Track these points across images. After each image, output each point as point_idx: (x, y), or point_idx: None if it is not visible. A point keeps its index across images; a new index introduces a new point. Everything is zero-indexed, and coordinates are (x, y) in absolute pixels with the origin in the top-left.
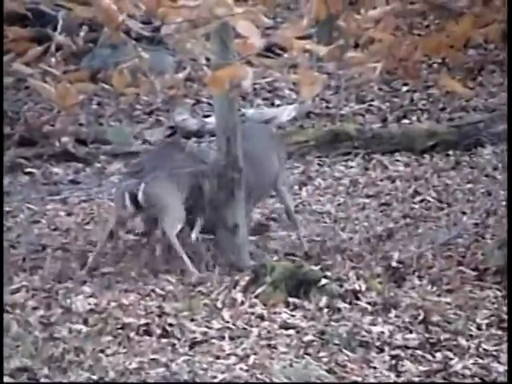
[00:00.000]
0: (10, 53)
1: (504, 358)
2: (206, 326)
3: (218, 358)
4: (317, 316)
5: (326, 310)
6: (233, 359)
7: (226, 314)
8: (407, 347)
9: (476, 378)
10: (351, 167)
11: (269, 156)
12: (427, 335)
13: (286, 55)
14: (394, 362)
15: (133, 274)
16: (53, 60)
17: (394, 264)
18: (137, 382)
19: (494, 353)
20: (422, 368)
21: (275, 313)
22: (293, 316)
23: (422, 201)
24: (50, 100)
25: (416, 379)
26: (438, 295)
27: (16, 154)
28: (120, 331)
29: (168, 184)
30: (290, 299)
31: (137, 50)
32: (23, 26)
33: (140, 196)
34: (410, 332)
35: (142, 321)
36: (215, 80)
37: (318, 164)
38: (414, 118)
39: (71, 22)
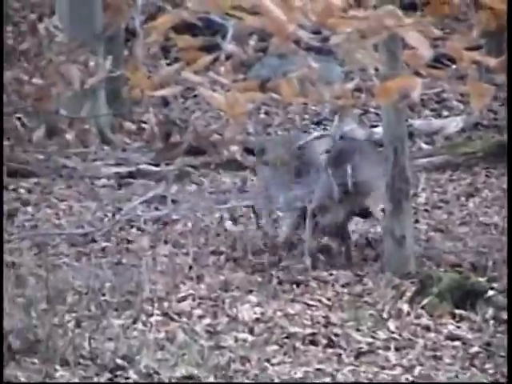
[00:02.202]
0: (180, 61)
1: None
2: (372, 337)
3: (383, 368)
4: (483, 327)
5: (492, 322)
6: (398, 370)
7: (391, 324)
8: None
9: None
10: None
11: None
12: None
13: (454, 66)
14: None
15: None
16: (222, 69)
17: None
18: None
19: None
20: None
21: (441, 324)
22: (459, 327)
23: None
24: (219, 109)
25: None
26: None
27: (184, 163)
28: (286, 340)
29: (375, 170)
30: (457, 310)
31: (306, 60)
32: (193, 35)
33: (349, 182)
34: None
35: (308, 330)
36: (384, 90)
37: (486, 175)
38: None
39: (241, 31)
